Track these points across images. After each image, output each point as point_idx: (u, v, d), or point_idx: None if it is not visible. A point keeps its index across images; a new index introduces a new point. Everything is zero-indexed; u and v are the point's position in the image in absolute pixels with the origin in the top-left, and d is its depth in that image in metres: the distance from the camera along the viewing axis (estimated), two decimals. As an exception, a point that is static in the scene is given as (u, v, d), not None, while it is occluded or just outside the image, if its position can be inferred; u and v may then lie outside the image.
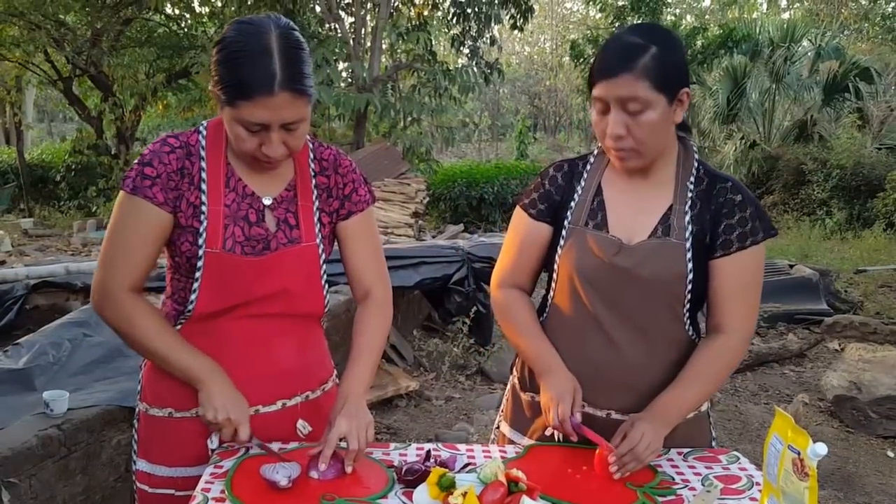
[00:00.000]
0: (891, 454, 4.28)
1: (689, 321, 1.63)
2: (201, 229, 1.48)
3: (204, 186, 1.49)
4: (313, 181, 1.61)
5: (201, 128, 1.55)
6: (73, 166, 13.29)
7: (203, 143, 1.52)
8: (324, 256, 1.60)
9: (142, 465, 1.63)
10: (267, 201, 1.55)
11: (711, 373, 1.60)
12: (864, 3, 24.41)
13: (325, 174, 1.63)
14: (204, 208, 1.49)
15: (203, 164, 1.50)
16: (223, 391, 1.49)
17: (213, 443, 1.53)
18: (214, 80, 1.41)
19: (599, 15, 17.46)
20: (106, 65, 11.36)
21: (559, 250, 1.63)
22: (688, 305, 1.59)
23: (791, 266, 8.34)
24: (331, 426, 1.47)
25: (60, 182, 13.47)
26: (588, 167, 1.67)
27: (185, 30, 13.25)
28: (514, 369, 1.84)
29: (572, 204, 1.64)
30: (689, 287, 1.56)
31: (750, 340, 1.70)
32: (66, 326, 3.35)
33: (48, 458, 2.44)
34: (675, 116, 1.52)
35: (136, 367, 2.99)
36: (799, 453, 1.18)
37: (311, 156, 1.62)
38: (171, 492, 1.59)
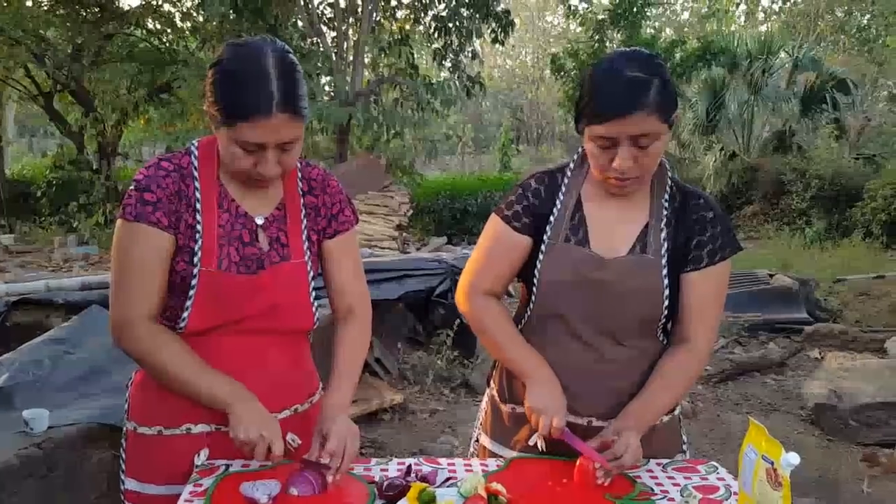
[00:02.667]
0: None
1: (661, 332, 1.67)
2: (196, 248, 1.49)
3: (199, 206, 1.51)
4: (302, 200, 1.63)
5: (192, 148, 1.56)
6: (55, 182, 13.20)
7: (195, 163, 1.54)
8: (312, 273, 1.62)
9: (131, 484, 1.61)
10: (259, 221, 1.57)
11: (679, 382, 1.65)
12: (840, 15, 24.80)
13: (314, 194, 1.65)
14: (199, 227, 1.50)
15: (197, 185, 1.52)
16: (253, 409, 1.49)
17: (199, 459, 1.54)
18: (210, 101, 1.43)
19: (580, 29, 17.61)
20: (87, 80, 11.32)
21: (538, 264, 1.64)
22: (664, 320, 1.63)
23: (771, 275, 8.43)
24: (317, 436, 1.49)
25: (41, 198, 13.37)
26: (566, 180, 1.68)
27: (167, 45, 13.22)
28: (492, 381, 1.85)
29: (552, 218, 1.65)
30: (666, 303, 1.60)
31: (711, 350, 1.74)
32: (46, 344, 3.32)
33: (29, 477, 2.42)
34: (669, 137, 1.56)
35: (118, 385, 2.98)
36: (772, 463, 1.20)
37: (300, 175, 1.64)
38: None
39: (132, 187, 1.49)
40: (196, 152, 1.55)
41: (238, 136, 1.40)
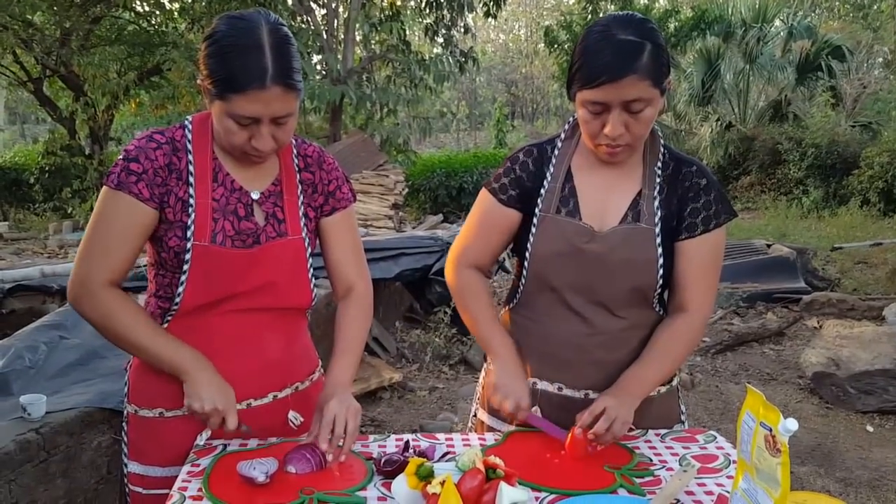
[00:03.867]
0: (870, 429, 4.34)
1: (657, 302, 1.66)
2: (189, 222, 1.48)
3: (192, 180, 1.50)
4: (298, 176, 1.62)
5: (186, 122, 1.55)
6: (47, 168, 13.10)
7: (189, 137, 1.53)
8: (309, 250, 1.62)
9: (134, 467, 1.62)
10: (255, 195, 1.56)
11: (675, 351, 1.63)
12: (834, -19, 24.60)
13: (310, 170, 1.64)
14: (192, 202, 1.49)
15: (190, 158, 1.51)
16: (209, 380, 1.48)
17: (201, 440, 1.53)
18: (204, 73, 1.41)
19: (573, 1, 17.46)
20: (76, 64, 11.18)
21: (531, 237, 1.63)
22: (659, 290, 1.62)
23: (769, 245, 8.43)
24: (320, 411, 1.48)
25: (34, 184, 13.28)
26: (556, 151, 1.67)
27: (156, 27, 13.06)
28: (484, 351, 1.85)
29: (542, 191, 1.64)
30: (661, 272, 1.59)
31: (709, 318, 1.73)
32: (42, 329, 3.31)
33: (27, 463, 2.42)
34: (661, 105, 1.53)
35: (114, 369, 2.98)
36: (770, 430, 1.19)
37: (295, 152, 1.63)
38: (166, 492, 1.58)
39: (121, 156, 1.48)
40: (190, 126, 1.54)
41: (232, 109, 1.39)
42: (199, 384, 1.47)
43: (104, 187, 1.49)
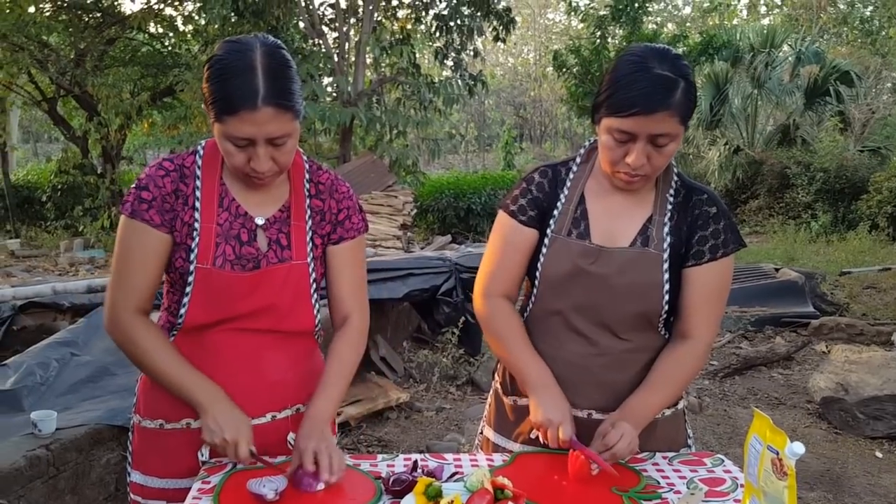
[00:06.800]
0: (879, 455, 4.31)
1: (663, 326, 1.67)
2: (193, 245, 1.53)
3: (198, 205, 1.54)
4: (307, 202, 1.64)
5: (199, 147, 1.60)
6: (59, 186, 13.23)
7: (199, 162, 1.57)
8: (314, 275, 1.63)
9: (136, 476, 1.66)
10: (260, 221, 1.59)
11: (678, 377, 1.64)
12: (842, 7, 24.69)
13: (321, 197, 1.66)
14: (197, 225, 1.53)
15: (198, 184, 1.55)
16: (223, 411, 1.51)
17: (203, 455, 1.55)
18: (205, 97, 1.45)
19: (581, 25, 17.57)
20: (90, 84, 11.32)
21: (541, 258, 1.65)
22: (664, 315, 1.63)
23: (777, 269, 8.41)
24: (297, 452, 1.48)
25: (47, 202, 13.41)
26: (571, 174, 1.68)
27: (169, 48, 13.24)
28: (496, 374, 1.85)
29: (555, 212, 1.66)
30: (667, 298, 1.60)
31: (712, 345, 1.73)
32: (54, 346, 3.34)
33: (37, 479, 2.44)
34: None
35: (124, 386, 3.00)
36: (777, 453, 1.20)
37: (308, 177, 1.66)
38: (163, 503, 1.61)
39: (133, 185, 1.54)
40: (202, 151, 1.58)
41: (228, 130, 1.42)
42: (213, 416, 1.49)
43: (121, 216, 1.55)
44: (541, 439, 1.60)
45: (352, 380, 1.69)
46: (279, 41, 1.48)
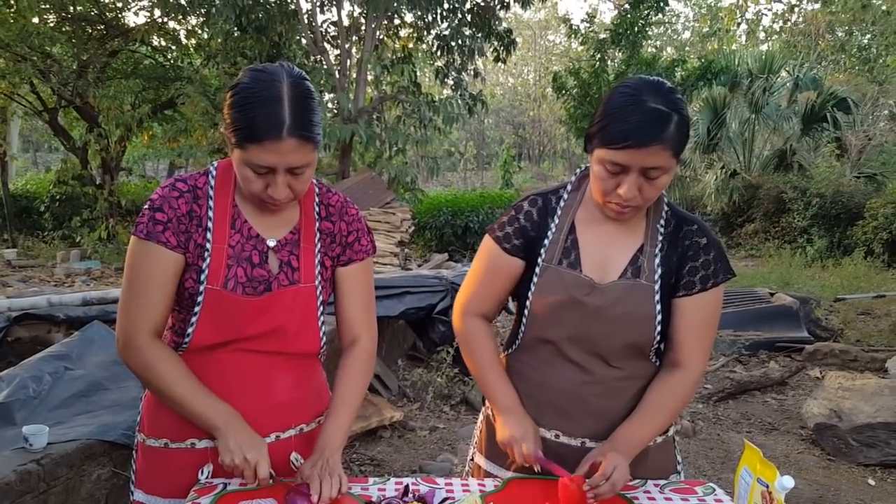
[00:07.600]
0: (872, 482, 4.30)
1: (654, 355, 1.68)
2: (204, 266, 1.53)
3: (210, 226, 1.55)
4: (317, 224, 1.66)
5: (211, 169, 1.60)
6: (58, 197, 13.26)
7: (212, 183, 1.58)
8: (321, 298, 1.64)
9: (139, 495, 1.65)
10: (271, 243, 1.60)
11: (669, 407, 1.65)
12: (840, 34, 24.91)
13: (331, 220, 1.68)
14: (208, 246, 1.54)
15: (211, 205, 1.56)
16: (239, 433, 1.51)
17: (203, 474, 1.55)
18: (226, 122, 1.46)
19: (581, 48, 17.71)
20: (91, 96, 11.37)
21: (532, 286, 1.65)
22: (656, 345, 1.64)
23: (772, 294, 8.42)
24: (299, 474, 1.50)
25: (45, 212, 13.43)
26: (562, 203, 1.69)
27: (171, 61, 13.32)
28: (487, 400, 1.86)
29: (546, 241, 1.66)
30: (658, 328, 1.61)
31: (703, 374, 1.75)
32: (47, 360, 3.32)
33: (27, 494, 2.42)
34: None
35: (117, 401, 2.99)
36: (767, 486, 1.21)
37: (317, 200, 1.67)
38: None
39: (146, 206, 1.54)
40: (214, 173, 1.59)
41: (249, 158, 1.43)
42: (233, 437, 1.50)
43: (133, 237, 1.54)
44: (511, 456, 1.63)
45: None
46: (304, 72, 1.50)
